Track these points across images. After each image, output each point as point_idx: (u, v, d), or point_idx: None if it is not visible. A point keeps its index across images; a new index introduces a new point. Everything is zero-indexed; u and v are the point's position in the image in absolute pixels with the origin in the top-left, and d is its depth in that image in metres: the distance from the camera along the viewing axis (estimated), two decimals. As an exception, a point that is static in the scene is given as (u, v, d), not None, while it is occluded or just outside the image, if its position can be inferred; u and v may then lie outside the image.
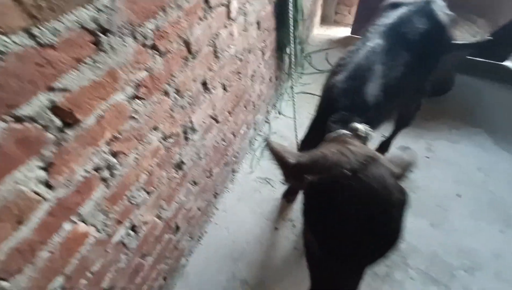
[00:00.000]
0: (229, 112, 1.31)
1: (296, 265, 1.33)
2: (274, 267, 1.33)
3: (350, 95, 0.79)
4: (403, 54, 0.89)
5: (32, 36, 0.41)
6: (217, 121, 1.20)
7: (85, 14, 0.48)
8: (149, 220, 0.91)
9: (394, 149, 1.65)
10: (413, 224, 1.41)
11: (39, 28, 0.42)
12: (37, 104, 0.46)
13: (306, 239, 0.67)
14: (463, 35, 1.82)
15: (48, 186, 0.53)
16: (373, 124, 0.82)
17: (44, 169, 0.51)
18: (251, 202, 1.57)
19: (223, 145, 1.35)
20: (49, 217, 0.55)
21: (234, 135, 1.47)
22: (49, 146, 0.50)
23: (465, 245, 1.32)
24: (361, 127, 0.73)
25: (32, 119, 0.46)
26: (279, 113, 2.05)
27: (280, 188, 1.62)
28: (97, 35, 0.52)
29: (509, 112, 1.93)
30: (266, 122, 1.98)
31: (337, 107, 0.80)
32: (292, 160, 0.66)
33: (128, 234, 0.83)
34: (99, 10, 0.50)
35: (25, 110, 0.44)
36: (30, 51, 0.42)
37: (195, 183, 1.18)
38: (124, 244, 0.83)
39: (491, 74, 2.25)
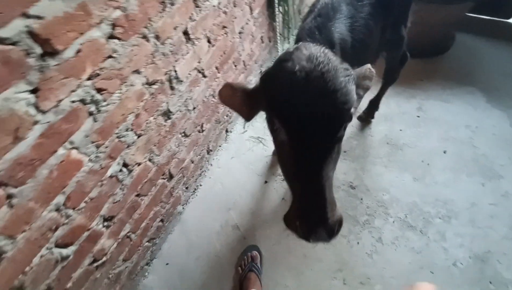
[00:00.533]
0: (217, 68, 1.34)
1: (283, 212, 1.42)
2: (263, 215, 1.44)
3: (316, 32, 0.82)
4: (365, 4, 0.89)
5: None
6: (204, 76, 1.24)
7: None
8: (140, 161, 1.01)
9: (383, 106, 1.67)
10: (397, 178, 1.48)
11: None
12: (15, 27, 0.52)
13: (275, 136, 0.70)
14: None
15: (39, 110, 0.61)
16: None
17: (32, 92, 0.58)
18: (244, 159, 1.66)
19: (213, 101, 1.40)
20: (43, 138, 0.64)
21: (224, 94, 1.51)
22: (33, 71, 0.57)
23: (444, 196, 1.38)
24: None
25: (12, 43, 0.52)
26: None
27: (271, 146, 1.68)
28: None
29: (505, 72, 1.88)
30: (259, 85, 2.01)
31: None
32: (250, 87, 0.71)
33: (121, 170, 0.93)
34: None
35: (4, 32, 0.50)
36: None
37: (185, 135, 1.26)
38: (118, 179, 0.93)
39: (495, 33, 2.15)
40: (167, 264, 1.33)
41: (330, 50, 0.81)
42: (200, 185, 1.57)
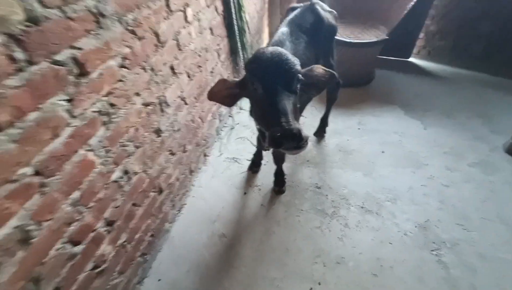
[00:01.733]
0: (195, 98, 1.63)
1: (263, 218, 1.60)
2: (246, 221, 1.59)
3: None
4: (302, 36, 1.31)
5: (63, 12, 0.72)
6: (185, 103, 1.51)
7: (90, 2, 0.79)
8: (138, 170, 1.16)
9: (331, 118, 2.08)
10: (351, 177, 1.80)
11: (66, 6, 0.72)
12: (65, 54, 0.74)
13: (254, 93, 0.96)
14: (371, 37, 2.40)
15: (71, 115, 0.80)
16: None
17: (68, 101, 0.78)
18: (223, 177, 1.85)
19: (192, 125, 1.64)
20: (71, 138, 0.81)
21: (202, 120, 1.78)
22: (71, 86, 0.78)
23: (388, 185, 1.72)
24: None
25: (62, 64, 0.74)
26: (240, 108, 2.41)
27: (246, 164, 1.92)
28: (97, 17, 0.83)
29: (415, 93, 2.51)
30: (229, 116, 2.32)
31: None
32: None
33: (122, 177, 1.07)
34: (98, 1, 0.82)
35: (59, 56, 0.73)
36: (61, 20, 0.72)
37: (172, 153, 1.45)
38: (119, 185, 1.06)
39: (401, 68, 2.89)
40: (159, 280, 1.36)
41: None
42: (185, 204, 1.69)
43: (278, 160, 1.62)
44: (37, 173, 0.72)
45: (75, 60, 0.77)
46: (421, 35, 2.95)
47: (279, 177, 1.70)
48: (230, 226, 1.56)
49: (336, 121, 2.22)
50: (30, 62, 0.65)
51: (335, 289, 1.26)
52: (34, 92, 0.67)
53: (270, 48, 0.94)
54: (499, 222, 1.47)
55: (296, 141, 0.78)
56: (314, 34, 1.40)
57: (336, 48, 2.39)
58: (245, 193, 1.74)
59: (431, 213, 1.54)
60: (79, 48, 0.78)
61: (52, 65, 0.71)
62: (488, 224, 1.46)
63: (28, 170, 0.70)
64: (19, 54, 0.62)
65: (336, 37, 2.33)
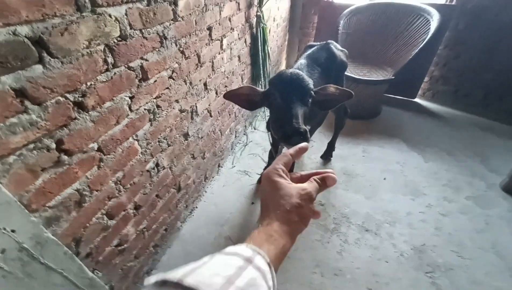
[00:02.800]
0: (219, 113, 1.85)
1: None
2: (251, 228, 1.69)
3: None
4: (317, 68, 1.54)
5: (141, 33, 0.96)
6: (211, 115, 1.73)
7: (159, 28, 1.05)
8: (166, 165, 1.34)
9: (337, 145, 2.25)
10: (354, 198, 1.92)
11: (144, 29, 0.97)
12: (137, 62, 0.98)
13: (273, 104, 1.16)
14: (378, 76, 2.67)
15: (130, 109, 1.01)
16: None
17: (130, 98, 1.00)
18: (233, 186, 2.00)
19: (213, 136, 1.85)
20: (126, 127, 1.01)
21: (221, 133, 1.98)
22: (134, 86, 1.00)
23: (388, 208, 1.82)
24: None
25: (133, 70, 0.97)
26: (254, 128, 2.63)
27: (255, 177, 2.07)
28: (162, 38, 1.08)
29: (418, 130, 2.69)
30: (244, 134, 2.53)
31: None
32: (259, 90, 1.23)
33: (154, 168, 1.25)
34: (164, 27, 1.08)
35: (132, 64, 0.96)
36: (140, 39, 0.96)
37: (193, 157, 1.63)
38: (150, 175, 1.24)
39: (407, 107, 3.11)
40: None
41: None
42: (196, 207, 1.83)
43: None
44: (99, 149, 0.91)
45: (141, 68, 1.01)
46: (426, 79, 3.21)
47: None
48: (237, 231, 1.68)
49: (343, 148, 2.39)
50: (114, 65, 0.88)
51: (331, 297, 1.33)
52: (113, 87, 0.89)
53: (291, 69, 1.18)
54: (493, 253, 1.53)
55: (303, 138, 0.99)
56: (327, 68, 1.64)
57: (347, 83, 2.66)
58: (252, 203, 1.87)
59: (428, 238, 1.62)
60: (146, 60, 1.02)
61: (127, 70, 0.94)
62: (482, 254, 1.53)
63: (95, 145, 0.89)
64: (110, 59, 0.85)
65: (347, 74, 2.61)
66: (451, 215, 1.77)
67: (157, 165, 1.27)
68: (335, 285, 1.38)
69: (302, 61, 1.54)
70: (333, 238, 1.63)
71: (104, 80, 0.85)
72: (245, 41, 2.01)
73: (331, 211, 1.80)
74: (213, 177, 2.05)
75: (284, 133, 1.00)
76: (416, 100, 3.26)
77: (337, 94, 1.19)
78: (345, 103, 1.98)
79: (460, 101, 3.07)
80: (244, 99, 1.22)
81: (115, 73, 0.89)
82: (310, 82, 1.14)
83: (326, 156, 2.23)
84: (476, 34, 2.73)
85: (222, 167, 2.17)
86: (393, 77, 2.55)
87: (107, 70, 0.86)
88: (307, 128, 1.04)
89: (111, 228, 1.07)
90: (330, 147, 2.22)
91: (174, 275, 0.25)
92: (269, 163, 1.99)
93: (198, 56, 1.39)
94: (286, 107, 1.07)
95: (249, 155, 2.31)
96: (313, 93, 1.14)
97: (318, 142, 2.42)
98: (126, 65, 0.93)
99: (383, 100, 2.99)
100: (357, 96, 2.65)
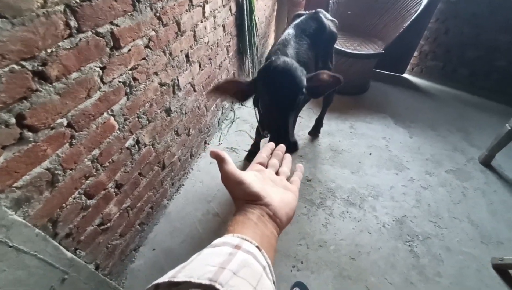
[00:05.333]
0: (203, 87, 1.76)
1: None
2: (238, 205, 1.71)
3: (278, 53, 1.31)
4: (305, 38, 1.47)
5: (111, -7, 0.85)
6: (194, 90, 1.64)
7: (132, -10, 0.93)
8: (147, 143, 1.28)
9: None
10: (339, 172, 1.95)
11: (115, -10, 0.86)
12: (106, 28, 0.88)
13: (262, 102, 1.12)
14: (368, 50, 2.60)
15: (102, 81, 0.92)
16: None
17: (101, 68, 0.91)
18: (220, 164, 1.97)
19: (198, 112, 1.78)
20: (99, 101, 0.93)
21: (206, 109, 1.91)
22: (105, 56, 0.91)
23: (372, 182, 1.87)
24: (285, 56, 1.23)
25: (102, 36, 0.87)
26: (241, 104, 2.56)
27: (243, 154, 2.05)
28: (134, 1, 0.96)
29: (405, 106, 2.70)
30: (231, 110, 2.46)
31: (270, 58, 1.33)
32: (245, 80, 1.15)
33: (134, 146, 1.19)
34: (138, -11, 0.96)
35: (100, 30, 0.86)
36: (106, 0, 0.85)
37: (177, 134, 1.57)
38: (131, 152, 1.18)
39: (395, 82, 3.09)
40: (153, 249, 1.46)
41: None
42: (183, 185, 1.80)
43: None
44: (69, 125, 0.84)
45: (112, 34, 0.90)
46: (416, 53, 3.17)
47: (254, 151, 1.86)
48: (224, 207, 1.68)
49: (330, 124, 2.38)
50: (79, 30, 0.78)
51: (315, 267, 1.39)
52: (79, 55, 0.80)
53: (282, 64, 1.04)
54: (467, 222, 1.63)
55: (291, 149, 0.97)
56: (316, 39, 1.56)
57: (336, 57, 2.58)
58: (240, 180, 1.86)
59: (408, 210, 1.69)
60: (117, 25, 0.91)
61: (95, 36, 0.84)
62: (457, 223, 1.62)
63: (64, 121, 0.82)
64: (72, 22, 0.75)
65: (336, 47, 2.52)
66: (431, 188, 1.84)
67: (137, 142, 1.21)
68: (319, 255, 1.44)
69: (290, 31, 1.45)
70: (318, 212, 1.66)
71: (68, 47, 0.76)
72: (230, 9, 1.87)
73: (318, 186, 1.83)
74: (199, 155, 2.01)
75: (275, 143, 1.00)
76: (405, 75, 3.24)
77: (330, 81, 1.13)
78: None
79: (447, 77, 3.09)
80: (234, 91, 1.15)
81: (80, 39, 0.79)
82: (303, 78, 1.06)
83: (314, 132, 2.22)
84: (468, 8, 2.67)
85: (208, 144, 2.12)
86: (383, 51, 2.49)
87: (70, 35, 0.76)
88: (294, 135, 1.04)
89: (91, 207, 1.03)
90: (318, 123, 2.20)
91: (163, 277, 0.24)
92: (256, 141, 1.96)
93: (178, 24, 1.28)
94: (277, 115, 1.02)
95: (236, 131, 2.26)
96: (304, 90, 1.06)
97: (306, 118, 2.40)
98: (93, 31, 0.83)
99: (372, 75, 2.95)
100: (346, 71, 2.62)
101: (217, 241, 0.30)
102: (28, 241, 0.65)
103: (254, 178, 0.40)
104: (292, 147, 0.99)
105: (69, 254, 0.82)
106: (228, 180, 0.39)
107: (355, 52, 2.50)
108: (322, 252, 1.46)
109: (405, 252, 1.47)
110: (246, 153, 2.02)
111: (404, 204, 1.73)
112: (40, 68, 0.69)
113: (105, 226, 1.14)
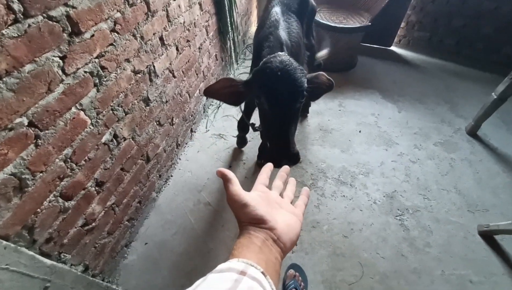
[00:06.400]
0: (183, 72, 1.66)
1: (247, 189, 1.70)
2: (229, 192, 1.68)
3: (270, 38, 1.19)
4: (292, 15, 1.37)
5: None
6: (174, 76, 1.54)
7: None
8: (126, 136, 1.20)
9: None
10: (330, 152, 1.93)
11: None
12: (59, 11, 0.77)
13: (260, 107, 1.00)
14: (355, 23, 2.50)
15: (64, 72, 0.83)
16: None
17: (61, 58, 0.81)
18: (209, 151, 1.92)
19: (180, 99, 1.68)
20: (63, 95, 0.84)
21: (189, 95, 1.81)
22: (64, 43, 0.81)
23: (362, 160, 1.87)
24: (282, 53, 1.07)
25: (57, 21, 0.77)
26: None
27: (231, 140, 1.99)
28: (93, -21, 0.85)
29: (392, 80, 2.67)
30: (216, 95, 2.37)
31: (262, 47, 1.19)
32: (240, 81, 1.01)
33: (112, 140, 1.11)
34: (94, -37, 0.84)
35: (53, 13, 0.75)
36: (59, -22, 0.74)
37: (160, 124, 1.49)
38: (109, 148, 1.11)
39: (382, 56, 3.03)
40: (146, 243, 1.43)
41: (280, 48, 1.16)
42: (171, 176, 1.75)
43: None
44: (32, 124, 0.76)
45: (68, 18, 0.80)
46: (403, 24, 3.09)
47: (263, 151, 1.80)
48: (215, 196, 1.65)
49: (319, 103, 2.33)
50: (26, 15, 0.68)
51: (309, 248, 1.40)
52: (31, 44, 0.70)
53: (281, 65, 0.90)
54: (455, 192, 1.66)
55: (293, 162, 0.91)
56: (300, 15, 1.47)
57: (321, 32, 2.48)
58: (230, 167, 1.82)
59: (398, 185, 1.71)
60: (73, 7, 0.81)
61: (47, 20, 0.74)
62: (445, 194, 1.66)
63: (24, 120, 0.73)
64: (16, 6, 0.65)
65: (321, 21, 2.42)
66: (420, 161, 1.86)
67: (115, 136, 1.13)
68: (312, 236, 1.45)
69: (276, 9, 1.33)
70: (310, 193, 1.65)
71: (15, 35, 0.66)
72: (206, -16, 1.73)
73: (308, 167, 1.81)
74: (186, 144, 1.94)
75: (275, 157, 0.90)
76: (392, 48, 3.18)
77: (327, 84, 1.03)
78: (316, 50, 1.84)
79: (434, 48, 3.05)
80: (225, 93, 1.01)
81: (29, 26, 0.69)
82: (304, 80, 0.92)
83: (302, 113, 2.17)
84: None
85: (195, 132, 2.05)
86: (370, 23, 2.40)
87: (16, 21, 0.66)
88: (297, 149, 0.93)
89: (70, 209, 0.97)
90: (306, 103, 2.14)
91: None
92: (240, 136, 1.87)
93: (147, 3, 1.16)
94: (276, 125, 0.91)
95: (223, 117, 2.19)
96: (305, 92, 0.93)
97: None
98: (44, 15, 0.72)
99: (359, 50, 2.87)
100: (333, 47, 2.53)
101: (221, 266, 0.29)
102: (-4, 255, 0.60)
103: (259, 200, 0.39)
104: (293, 160, 0.91)
105: (49, 262, 0.77)
106: (233, 201, 0.38)
107: (341, 26, 2.40)
108: (316, 233, 1.47)
109: (396, 226, 1.50)
110: (236, 138, 1.96)
111: (394, 179, 1.74)
112: (-18, 61, 0.60)
113: (90, 226, 1.09)
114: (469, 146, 1.97)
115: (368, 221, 1.52)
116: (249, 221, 0.36)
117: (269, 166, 0.51)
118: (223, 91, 1.01)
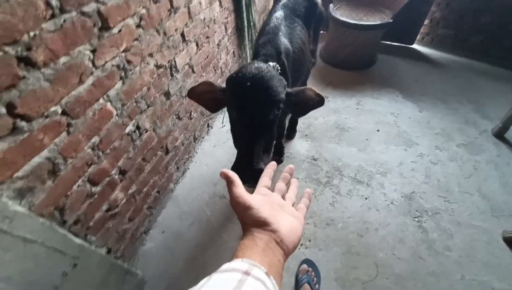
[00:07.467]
0: (202, 68, 1.70)
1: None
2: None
3: (268, 45, 1.13)
4: (296, 20, 1.34)
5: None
6: (193, 71, 1.58)
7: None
8: (148, 128, 1.26)
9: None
10: (346, 150, 1.90)
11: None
12: (91, 6, 0.82)
13: (230, 115, 0.94)
14: (375, 20, 2.44)
15: (94, 65, 0.88)
16: (288, 67, 1.16)
17: (92, 52, 0.86)
18: (225, 146, 1.95)
19: (198, 94, 1.72)
20: (93, 87, 0.90)
21: (207, 91, 1.85)
22: (94, 37, 0.86)
23: (380, 159, 1.83)
24: (271, 63, 1.03)
25: (88, 16, 0.82)
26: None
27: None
28: (122, -24, 0.89)
29: (414, 78, 2.58)
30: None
31: (258, 54, 1.13)
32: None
33: (134, 131, 1.17)
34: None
35: (86, 9, 0.80)
36: (92, -25, 0.79)
37: (179, 117, 1.54)
38: (132, 138, 1.16)
39: (404, 54, 2.93)
40: (163, 232, 1.49)
41: (278, 56, 1.11)
42: (188, 168, 1.80)
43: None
44: (65, 113, 0.82)
45: (99, 13, 0.85)
46: (426, 21, 2.97)
47: (278, 147, 1.80)
48: (230, 190, 1.68)
49: (336, 101, 2.31)
50: (62, 10, 0.73)
51: (323, 245, 1.40)
52: (66, 38, 0.76)
53: (254, 70, 0.83)
54: (478, 196, 1.59)
55: (254, 181, 0.74)
56: (307, 20, 1.41)
57: (340, 29, 2.44)
58: (245, 162, 1.84)
59: (417, 186, 1.66)
60: (103, 3, 0.85)
61: (81, 16, 0.79)
62: (468, 197, 1.59)
63: (58, 108, 0.79)
64: (54, 1, 0.70)
65: (341, 18, 2.38)
66: (441, 163, 1.79)
67: (138, 127, 1.19)
68: (327, 233, 1.44)
69: (278, 14, 1.29)
70: (325, 191, 1.65)
71: (52, 29, 0.71)
72: (226, -19, 1.75)
73: (324, 165, 1.80)
74: (203, 138, 1.99)
75: (235, 170, 0.77)
76: (414, 46, 3.07)
77: (315, 100, 0.93)
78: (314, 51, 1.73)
79: (459, 46, 2.90)
80: (207, 98, 0.96)
81: (65, 20, 0.74)
82: (281, 90, 0.84)
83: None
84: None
85: (211, 127, 2.09)
86: (391, 20, 2.34)
87: (53, 16, 0.71)
88: (262, 163, 0.82)
89: (96, 194, 1.03)
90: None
91: None
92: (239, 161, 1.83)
93: (170, 0, 1.20)
94: (243, 134, 0.84)
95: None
96: (282, 105, 0.86)
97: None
98: (78, 10, 0.77)
99: (379, 47, 2.80)
100: (352, 44, 2.49)
101: (226, 266, 0.30)
102: (33, 231, 0.65)
103: (262, 203, 0.40)
104: (255, 175, 0.67)
105: (78, 241, 0.83)
106: (237, 203, 0.39)
107: (361, 23, 2.35)
108: (330, 230, 1.46)
109: (414, 227, 1.46)
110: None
111: (413, 180, 1.69)
112: (24, 53, 0.65)
113: (113, 211, 1.15)
114: (495, 148, 1.88)
115: (385, 221, 1.49)
116: (253, 223, 0.37)
117: (271, 167, 0.52)
118: (204, 95, 0.96)
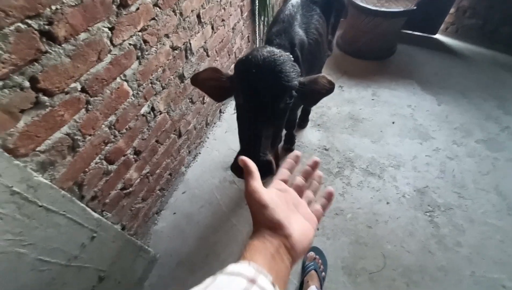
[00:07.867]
0: (217, 52, 1.68)
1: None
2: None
3: (282, 35, 1.06)
4: (313, 8, 1.27)
5: None
6: (207, 55, 1.56)
7: None
8: (162, 110, 1.26)
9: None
10: (359, 141, 1.87)
11: None
12: (112, -17, 0.81)
13: (238, 105, 0.90)
14: (398, 7, 2.32)
15: (112, 43, 0.88)
16: (301, 60, 1.08)
17: (110, 29, 0.86)
18: (235, 132, 1.93)
19: (212, 79, 1.71)
20: (111, 65, 0.90)
21: (220, 76, 1.84)
22: (113, 15, 0.85)
23: (394, 152, 1.79)
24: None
25: (108, -7, 0.81)
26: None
27: (258, 123, 2.00)
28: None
29: (434, 71, 2.47)
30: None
31: (271, 44, 1.05)
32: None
33: (149, 112, 1.18)
34: None
35: (106, -15, 0.79)
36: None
37: (192, 101, 1.54)
38: (147, 119, 1.17)
39: (425, 44, 2.80)
40: (174, 213, 1.53)
41: (291, 48, 1.04)
42: (200, 153, 1.82)
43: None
44: (84, 90, 0.83)
45: (117, -11, 0.84)
46: (452, 10, 2.81)
47: (289, 137, 1.79)
48: (240, 176, 1.69)
49: (351, 91, 2.25)
50: (83, -16, 0.73)
51: (331, 234, 1.40)
52: (86, 13, 0.75)
53: (266, 53, 0.77)
54: (495, 193, 1.54)
55: (262, 173, 0.68)
56: (327, 8, 1.33)
57: (359, 16, 2.34)
58: (256, 149, 1.84)
59: (431, 180, 1.63)
60: (122, -21, 0.84)
61: (100, -9, 0.78)
62: (483, 194, 1.54)
63: (77, 85, 0.80)
64: (74, -25, 0.70)
65: (361, 4, 2.28)
66: (458, 158, 1.73)
67: (152, 109, 1.19)
68: (335, 223, 1.45)
69: (294, 0, 1.21)
70: (336, 181, 1.64)
71: (73, 4, 0.71)
72: (244, -39, 1.69)
73: (335, 155, 1.78)
74: (214, 123, 1.99)
75: (236, 164, 0.74)
76: (437, 36, 2.92)
77: (327, 88, 0.87)
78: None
79: (487, 37, 2.75)
80: (211, 85, 0.90)
81: (85, -5, 0.74)
82: (293, 77, 0.78)
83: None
84: None
85: (223, 112, 2.09)
86: (415, 7, 2.22)
87: (74, -10, 0.71)
88: (270, 158, 0.74)
89: (112, 172, 1.06)
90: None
91: None
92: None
93: (188, -21, 1.17)
94: (249, 122, 0.78)
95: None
96: (294, 92, 0.81)
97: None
98: (98, -15, 0.77)
99: (399, 37, 2.68)
100: (371, 32, 2.39)
101: (232, 268, 0.29)
102: (55, 201, 0.68)
103: (277, 201, 0.38)
104: (263, 168, 0.68)
105: (96, 215, 0.86)
106: (252, 198, 0.37)
107: (383, 9, 2.24)
108: (339, 220, 1.46)
109: (425, 222, 1.44)
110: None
111: (427, 174, 1.66)
112: (46, 27, 0.66)
113: (128, 190, 1.19)
114: (517, 146, 1.80)
115: (395, 214, 1.47)
116: (266, 223, 0.35)
117: (293, 157, 0.47)
118: (209, 83, 0.90)
